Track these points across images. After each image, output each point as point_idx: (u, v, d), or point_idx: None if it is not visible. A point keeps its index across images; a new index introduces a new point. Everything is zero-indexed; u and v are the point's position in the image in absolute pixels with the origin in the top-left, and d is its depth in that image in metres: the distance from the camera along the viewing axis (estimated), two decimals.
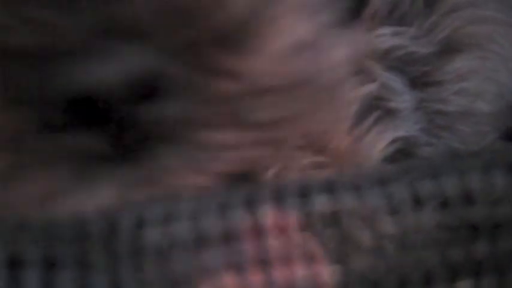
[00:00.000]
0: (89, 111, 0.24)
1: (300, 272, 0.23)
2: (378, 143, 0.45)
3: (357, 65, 0.46)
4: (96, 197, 0.24)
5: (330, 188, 0.24)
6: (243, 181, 0.28)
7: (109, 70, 0.23)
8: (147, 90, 0.24)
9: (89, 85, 0.23)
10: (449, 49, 0.49)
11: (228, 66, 0.26)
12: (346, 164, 0.43)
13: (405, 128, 0.47)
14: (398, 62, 0.47)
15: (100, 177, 0.24)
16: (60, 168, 0.24)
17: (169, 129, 0.25)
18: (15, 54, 0.24)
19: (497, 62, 0.51)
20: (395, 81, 0.47)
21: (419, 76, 0.48)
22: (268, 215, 0.23)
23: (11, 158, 0.24)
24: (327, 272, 0.23)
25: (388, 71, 0.47)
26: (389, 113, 0.46)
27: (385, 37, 0.47)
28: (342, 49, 0.32)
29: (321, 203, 0.24)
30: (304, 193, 0.24)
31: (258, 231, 0.22)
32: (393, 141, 0.45)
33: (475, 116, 0.50)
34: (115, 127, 0.24)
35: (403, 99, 0.47)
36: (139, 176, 0.25)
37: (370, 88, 0.46)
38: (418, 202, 0.24)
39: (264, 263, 0.22)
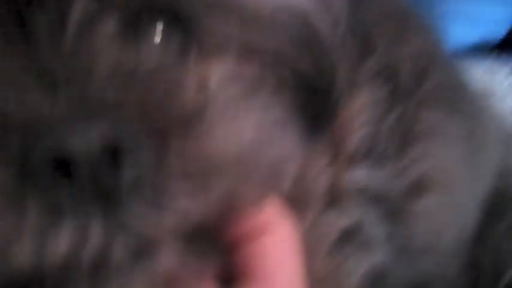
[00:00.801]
0: (61, 171, 0.29)
1: None
2: (355, 272, 0.50)
3: (335, 200, 0.52)
4: (59, 238, 0.29)
5: None
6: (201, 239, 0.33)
7: (85, 139, 0.29)
8: (110, 156, 0.30)
9: (68, 148, 0.29)
10: (417, 190, 0.55)
11: (182, 148, 0.32)
12: None
13: (377, 259, 0.52)
14: (372, 199, 0.53)
15: (63, 223, 0.29)
16: (31, 212, 0.29)
17: (129, 191, 0.30)
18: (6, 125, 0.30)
19: (458, 204, 0.58)
20: (369, 216, 0.53)
21: (390, 213, 0.54)
22: None
23: None
24: None
25: (363, 207, 0.53)
26: (364, 245, 0.52)
27: (362, 176, 0.53)
28: (287, 142, 0.37)
29: None
30: None
31: None
32: (368, 270, 0.51)
33: (439, 250, 0.56)
34: (85, 187, 0.30)
35: (376, 232, 0.53)
36: (100, 222, 0.30)
37: (347, 221, 0.52)
38: None
39: None
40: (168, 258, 0.31)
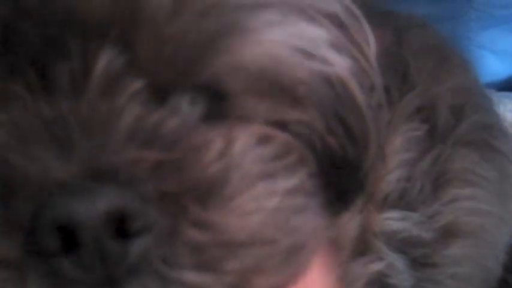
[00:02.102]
0: (69, 240, 0.28)
1: None
2: None
3: (366, 244, 0.51)
4: None
5: None
6: None
7: (89, 207, 0.28)
8: (120, 227, 0.28)
9: (72, 218, 0.28)
10: (447, 236, 0.54)
11: (198, 217, 0.30)
12: None
13: None
14: (403, 244, 0.52)
15: None
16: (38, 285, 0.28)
17: (136, 262, 0.29)
18: (17, 191, 0.29)
19: (487, 249, 0.56)
20: (399, 261, 0.51)
21: (419, 258, 0.53)
22: None
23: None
24: None
25: (393, 252, 0.51)
26: None
27: (393, 220, 0.52)
28: (309, 216, 0.36)
29: None
30: None
31: None
32: None
33: None
34: (89, 256, 0.28)
35: (404, 277, 0.52)
36: None
37: (378, 266, 0.50)
38: None
39: None
40: None
